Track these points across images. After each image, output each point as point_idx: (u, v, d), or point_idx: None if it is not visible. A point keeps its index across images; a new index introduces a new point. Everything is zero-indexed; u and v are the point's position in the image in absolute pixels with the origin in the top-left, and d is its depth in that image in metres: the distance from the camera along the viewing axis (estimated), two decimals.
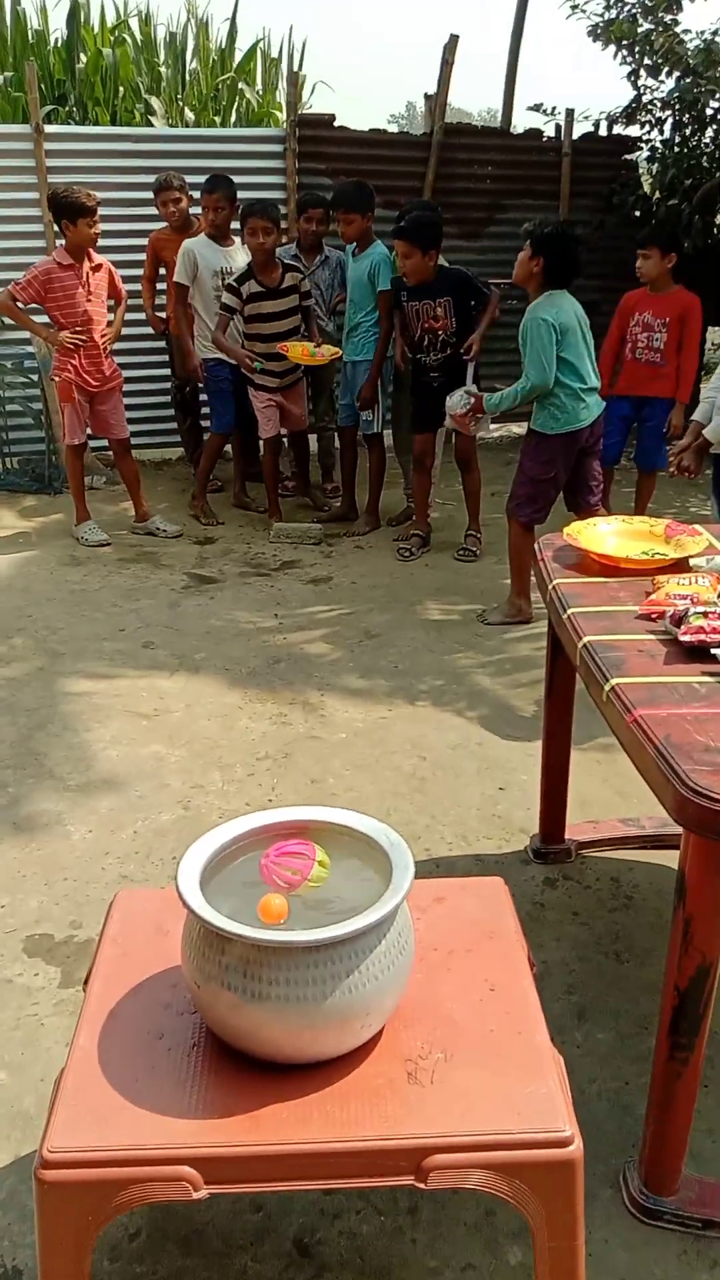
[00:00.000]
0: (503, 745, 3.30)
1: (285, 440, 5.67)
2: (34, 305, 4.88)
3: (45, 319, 4.97)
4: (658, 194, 6.90)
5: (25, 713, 3.52)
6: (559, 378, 3.96)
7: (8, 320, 5.83)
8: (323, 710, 3.54)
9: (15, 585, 4.68)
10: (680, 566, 2.17)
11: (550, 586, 2.17)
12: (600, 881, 2.63)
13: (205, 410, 5.74)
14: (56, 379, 5.05)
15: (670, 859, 2.72)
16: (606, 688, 1.71)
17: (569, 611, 2.01)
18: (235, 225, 5.12)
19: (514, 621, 4.24)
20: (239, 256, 5.21)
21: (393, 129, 11.66)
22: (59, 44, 8.99)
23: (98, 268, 4.98)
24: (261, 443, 5.44)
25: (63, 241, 4.89)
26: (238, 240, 5.21)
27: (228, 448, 5.79)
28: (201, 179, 5.30)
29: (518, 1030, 1.46)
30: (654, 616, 1.93)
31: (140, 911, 1.71)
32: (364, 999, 1.34)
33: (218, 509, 5.65)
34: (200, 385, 5.55)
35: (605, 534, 2.36)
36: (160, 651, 4.01)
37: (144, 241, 5.68)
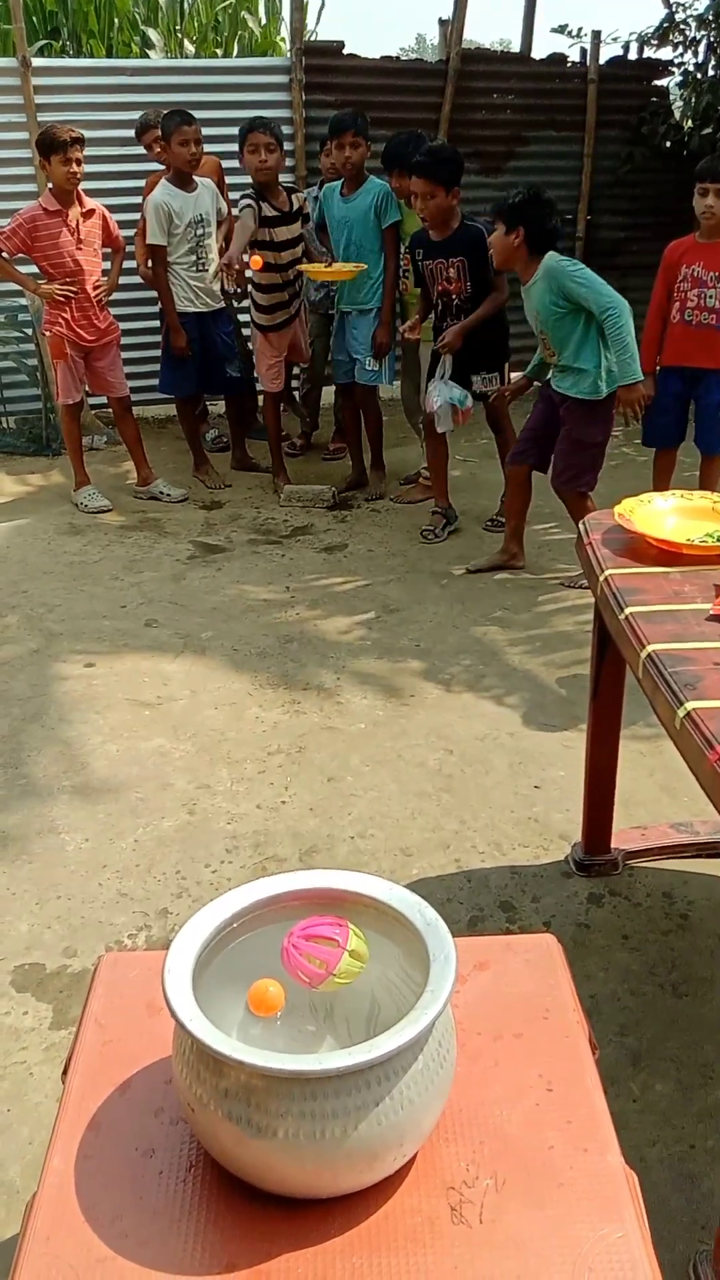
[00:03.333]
0: (535, 736, 3.02)
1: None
2: (21, 255, 4.54)
3: (34, 269, 4.62)
4: (690, 122, 6.44)
5: (18, 702, 3.26)
6: (600, 342, 3.64)
7: None
8: (339, 697, 3.26)
9: (10, 557, 4.40)
10: None
11: (601, 578, 1.87)
12: (651, 898, 2.36)
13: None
14: (48, 334, 4.72)
15: None
16: (681, 713, 1.43)
17: (627, 611, 1.71)
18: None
19: None
20: (205, 200, 4.75)
21: None
22: None
23: (89, 213, 4.60)
24: (263, 399, 5.09)
25: (52, 185, 4.53)
26: (200, 183, 4.75)
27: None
28: (203, 115, 4.90)
29: (583, 1147, 1.20)
30: None
31: (128, 983, 1.44)
32: (396, 1128, 1.08)
33: (222, 471, 5.33)
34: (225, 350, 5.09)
35: (662, 512, 2.05)
36: (164, 630, 3.74)
37: (141, 184, 5.25)
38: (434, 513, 4.68)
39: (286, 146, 5.80)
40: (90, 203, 4.61)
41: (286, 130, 5.87)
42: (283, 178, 4.92)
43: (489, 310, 4.23)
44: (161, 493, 5.03)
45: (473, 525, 4.69)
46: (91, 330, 4.68)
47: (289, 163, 5.77)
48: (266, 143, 4.41)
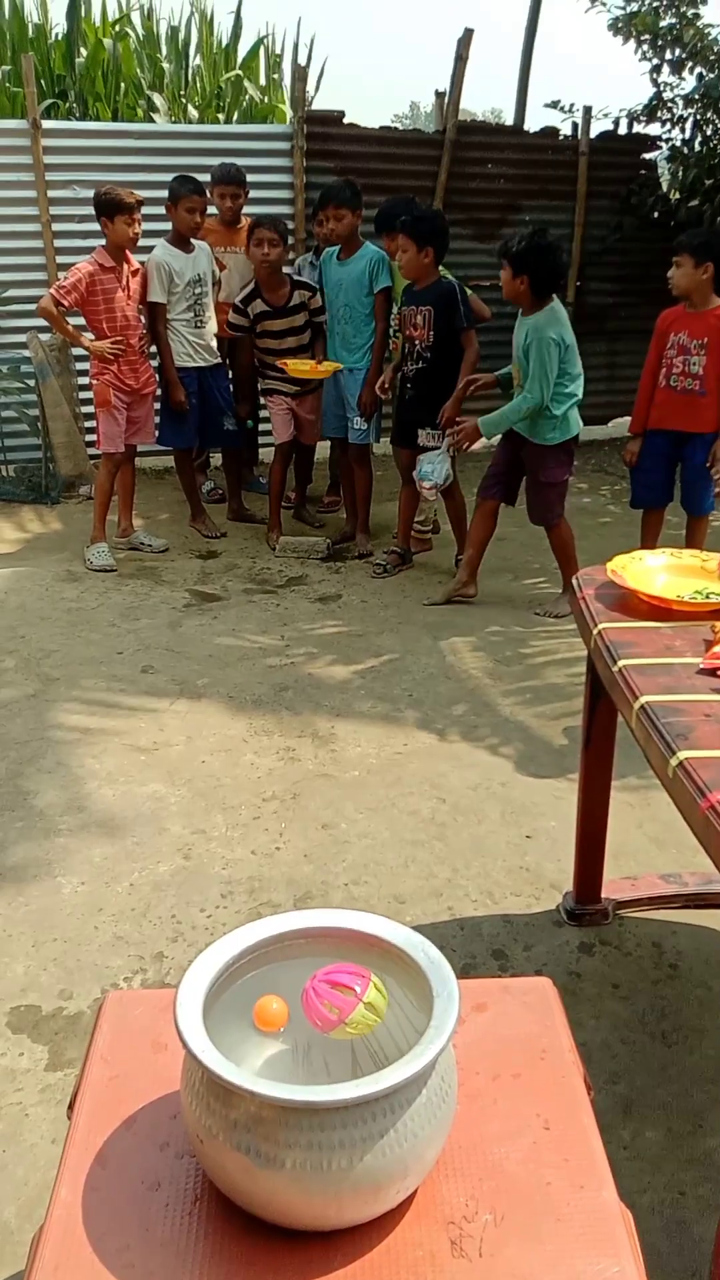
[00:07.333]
0: (526, 785, 3.07)
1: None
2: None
3: (78, 321, 4.76)
4: (677, 195, 6.68)
5: (15, 745, 3.29)
6: (563, 389, 4.02)
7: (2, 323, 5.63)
8: (333, 744, 3.31)
9: (8, 603, 4.45)
10: None
11: (595, 632, 1.94)
12: (641, 948, 2.39)
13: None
14: (94, 382, 4.82)
15: (716, 920, 2.51)
16: (673, 762, 1.48)
17: (621, 664, 1.78)
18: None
19: None
20: (203, 261, 4.93)
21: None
22: (59, 38, 8.74)
23: (135, 272, 4.76)
24: (275, 449, 5.21)
25: (103, 242, 4.66)
26: (198, 246, 4.92)
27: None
28: (208, 178, 5.07)
29: (580, 1184, 1.23)
30: (719, 673, 1.70)
31: (133, 1020, 1.47)
32: (401, 1160, 1.11)
33: (218, 522, 5.42)
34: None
35: (653, 569, 2.13)
36: (160, 676, 3.78)
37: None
38: (389, 551, 4.91)
39: (287, 210, 6.02)
40: (136, 262, 4.76)
41: (287, 195, 6.08)
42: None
43: (467, 372, 4.43)
44: (142, 543, 5.10)
45: (447, 578, 4.76)
46: (136, 380, 4.83)
47: (288, 225, 5.94)
48: (271, 238, 4.69)
